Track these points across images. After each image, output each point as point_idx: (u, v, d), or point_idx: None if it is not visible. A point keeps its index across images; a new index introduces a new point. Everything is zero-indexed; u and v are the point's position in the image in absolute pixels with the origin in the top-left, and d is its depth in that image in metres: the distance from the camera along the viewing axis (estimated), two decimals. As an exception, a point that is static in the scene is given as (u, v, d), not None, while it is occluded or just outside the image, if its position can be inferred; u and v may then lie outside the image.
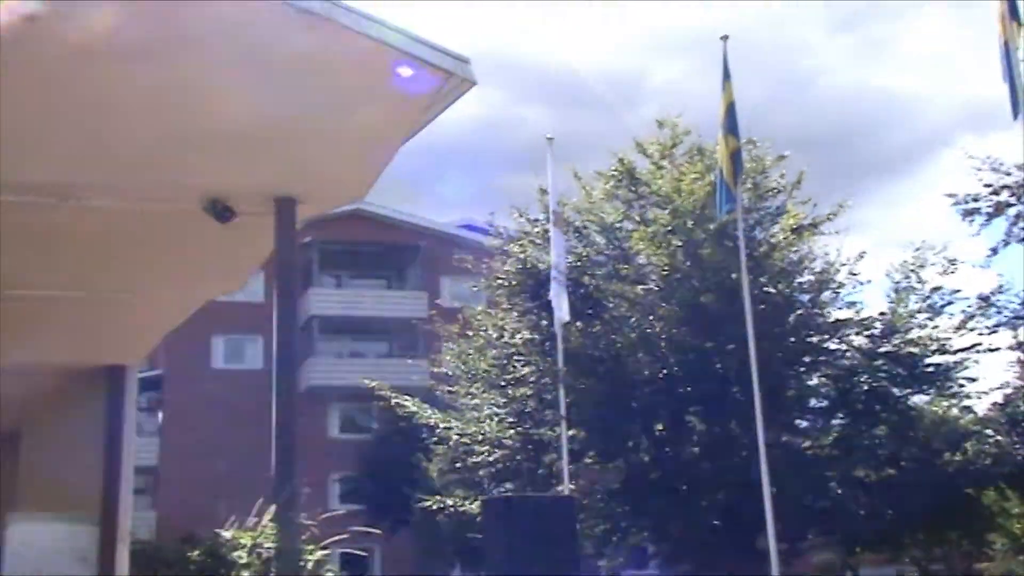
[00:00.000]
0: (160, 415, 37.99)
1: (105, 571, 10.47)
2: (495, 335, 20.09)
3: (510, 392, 19.48)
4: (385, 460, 30.78)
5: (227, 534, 7.66)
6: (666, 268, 18.43)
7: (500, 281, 20.19)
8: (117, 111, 7.24)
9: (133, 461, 12.10)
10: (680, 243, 18.31)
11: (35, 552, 10.86)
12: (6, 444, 12.74)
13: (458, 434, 19.76)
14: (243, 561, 7.50)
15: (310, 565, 7.61)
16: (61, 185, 8.15)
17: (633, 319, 18.61)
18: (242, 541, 7.61)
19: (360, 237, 38.42)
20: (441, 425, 20.20)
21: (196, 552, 7.48)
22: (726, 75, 15.24)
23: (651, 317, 18.44)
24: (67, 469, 11.84)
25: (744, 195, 17.26)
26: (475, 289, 22.11)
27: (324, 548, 7.84)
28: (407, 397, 21.25)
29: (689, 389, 18.32)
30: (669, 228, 18.45)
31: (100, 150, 7.72)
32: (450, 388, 21.03)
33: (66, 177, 8.02)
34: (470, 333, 20.76)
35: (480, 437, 19.39)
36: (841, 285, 19.26)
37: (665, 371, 18.21)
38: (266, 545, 7.60)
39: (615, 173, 19.92)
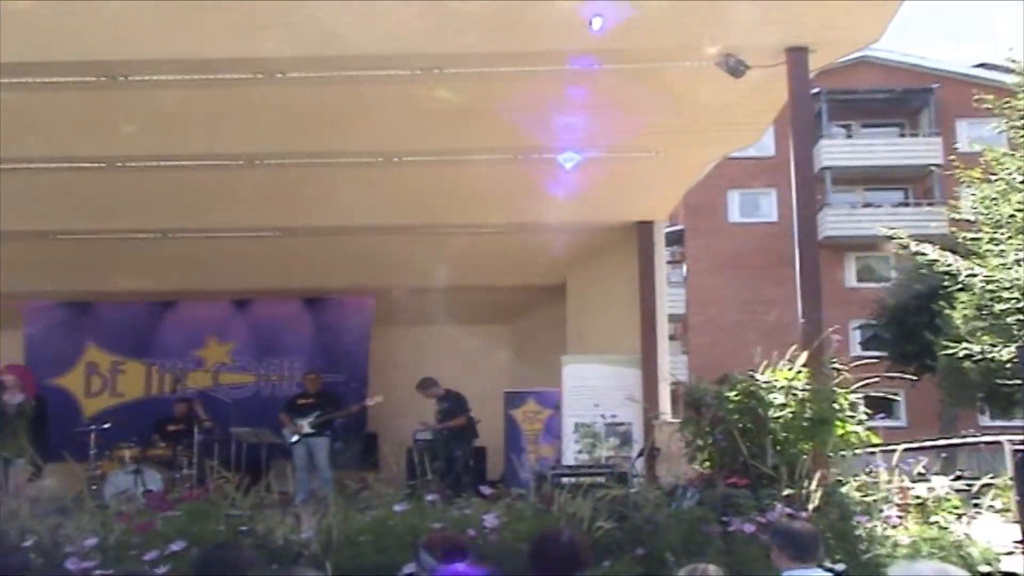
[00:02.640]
0: (684, 267, 39.13)
1: (650, 408, 11.01)
2: (1020, 178, 18.31)
3: (1039, 237, 17.77)
4: (904, 308, 29.52)
5: (761, 376, 7.68)
6: None
7: (1025, 121, 18.29)
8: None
9: (665, 309, 12.52)
10: None
11: (590, 388, 11.67)
12: (554, 294, 13.65)
13: (983, 281, 18.38)
14: (778, 401, 7.49)
15: (844, 406, 7.47)
16: (592, 52, 8.41)
17: None
18: (777, 383, 7.59)
19: (868, 84, 36.50)
20: (964, 272, 18.89)
21: (733, 392, 7.56)
22: None
23: None
24: (608, 317, 12.51)
25: None
26: (996, 131, 20.19)
27: (854, 391, 7.66)
28: (926, 245, 20.06)
29: None
30: None
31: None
32: (971, 235, 19.56)
33: (593, 44, 8.25)
34: (992, 177, 19.09)
35: (1007, 284, 17.91)
36: None
37: None
38: (800, 386, 7.54)
39: None
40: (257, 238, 12.54)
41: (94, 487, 10.97)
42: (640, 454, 9.90)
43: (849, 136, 39.20)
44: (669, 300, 14.58)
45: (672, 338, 28.40)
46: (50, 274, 13.40)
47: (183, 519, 6.77)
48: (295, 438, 12.61)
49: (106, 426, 12.06)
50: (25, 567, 5.08)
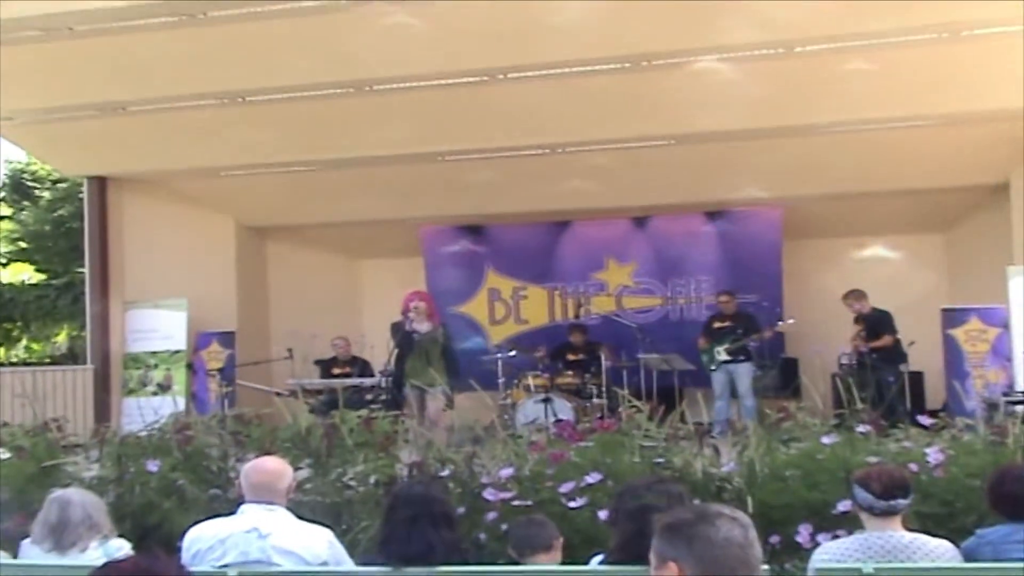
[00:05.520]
0: None
1: None
2: None
3: None
4: None
5: None
6: None
7: None
8: None
9: None
10: None
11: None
12: (996, 195, 12.83)
13: None
14: None
15: None
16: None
17: None
18: None
19: None
20: None
21: None
22: None
23: None
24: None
25: None
26: None
27: None
28: None
29: None
30: None
31: None
32: None
33: None
34: None
35: None
36: None
37: None
38: None
39: None
40: (652, 148, 12.64)
41: (505, 416, 11.69)
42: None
43: None
44: None
45: None
46: (442, 197, 14.29)
47: (596, 450, 7.00)
48: (714, 365, 12.81)
49: (512, 354, 12.77)
50: (445, 496, 5.47)
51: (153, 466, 7.33)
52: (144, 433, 8.02)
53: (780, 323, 13.09)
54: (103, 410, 13.68)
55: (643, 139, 12.43)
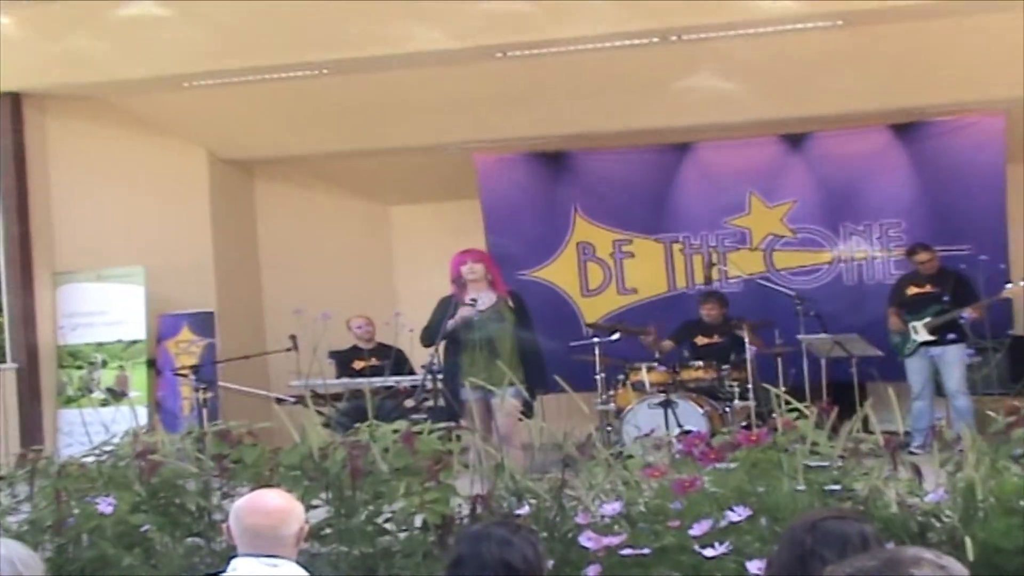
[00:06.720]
0: None
1: None
2: None
3: None
4: None
5: None
6: None
7: None
8: None
9: None
10: None
11: None
12: None
13: None
14: None
15: None
16: None
17: None
18: None
19: None
20: None
21: None
22: None
23: None
24: None
25: None
26: None
27: None
28: None
29: None
30: None
31: None
32: None
33: None
34: None
35: None
36: None
37: None
38: None
39: None
40: (811, 31, 12.50)
41: (608, 427, 11.69)
42: None
43: None
44: None
45: None
46: (505, 112, 14.25)
47: (741, 474, 7.01)
48: (911, 348, 12.72)
49: (615, 338, 12.75)
50: (526, 542, 5.38)
51: (107, 505, 7.41)
52: (92, 459, 8.11)
53: (1009, 286, 12.90)
54: (32, 427, 13.88)
55: (797, 19, 12.30)
